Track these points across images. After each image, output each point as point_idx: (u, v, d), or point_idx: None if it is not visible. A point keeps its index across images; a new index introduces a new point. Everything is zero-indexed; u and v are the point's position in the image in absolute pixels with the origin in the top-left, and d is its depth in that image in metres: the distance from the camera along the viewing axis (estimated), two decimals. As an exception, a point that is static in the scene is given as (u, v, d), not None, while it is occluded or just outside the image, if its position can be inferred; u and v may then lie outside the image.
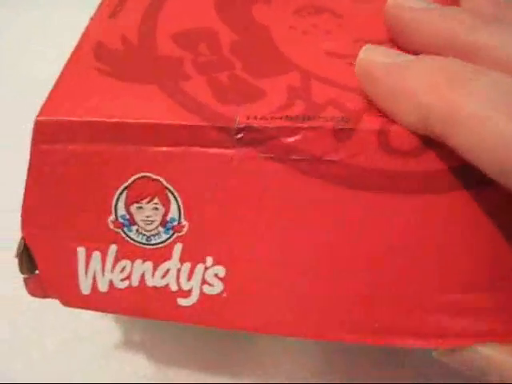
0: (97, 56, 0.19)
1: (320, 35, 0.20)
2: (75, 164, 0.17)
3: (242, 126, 0.16)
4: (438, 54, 0.17)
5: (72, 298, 0.19)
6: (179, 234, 0.18)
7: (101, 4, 0.22)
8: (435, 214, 0.16)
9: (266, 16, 0.21)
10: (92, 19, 0.21)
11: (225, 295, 0.18)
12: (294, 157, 0.16)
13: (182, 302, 0.18)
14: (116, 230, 0.18)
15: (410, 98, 0.15)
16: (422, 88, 0.15)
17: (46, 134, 0.17)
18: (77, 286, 0.19)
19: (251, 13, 0.21)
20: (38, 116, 0.17)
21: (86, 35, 0.20)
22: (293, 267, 0.17)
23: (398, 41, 0.19)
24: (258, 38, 0.20)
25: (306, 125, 0.16)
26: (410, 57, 0.17)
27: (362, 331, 0.17)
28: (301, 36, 0.20)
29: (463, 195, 0.16)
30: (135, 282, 0.18)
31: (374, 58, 0.17)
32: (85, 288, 0.19)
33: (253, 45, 0.20)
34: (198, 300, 0.18)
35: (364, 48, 0.17)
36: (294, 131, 0.16)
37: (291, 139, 0.16)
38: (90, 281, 0.19)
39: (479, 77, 0.15)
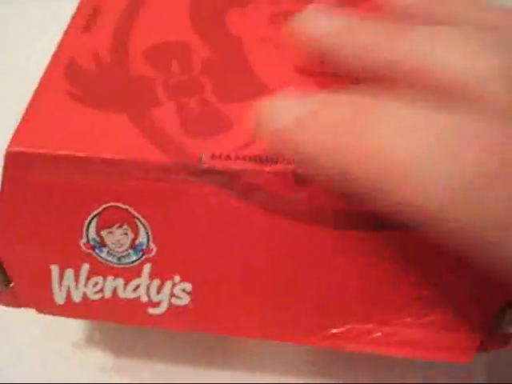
0: (68, 77, 0.19)
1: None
2: (46, 193, 0.18)
3: (206, 167, 0.17)
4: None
5: (47, 307, 0.20)
6: (148, 256, 0.19)
7: (74, 16, 0.21)
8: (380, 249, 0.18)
9: (240, 25, 0.21)
10: (65, 32, 0.21)
11: (191, 306, 0.20)
12: (255, 194, 0.17)
13: (152, 311, 0.20)
14: (88, 251, 0.19)
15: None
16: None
17: (16, 164, 0.18)
18: (51, 297, 0.20)
19: (225, 22, 0.21)
20: (9, 147, 0.18)
21: (59, 51, 0.20)
22: (250, 283, 0.19)
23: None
24: (230, 53, 0.20)
25: (267, 168, 0.17)
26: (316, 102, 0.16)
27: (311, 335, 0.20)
28: (273, 51, 0.20)
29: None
30: (108, 294, 0.20)
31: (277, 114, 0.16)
32: (59, 299, 0.20)
33: (224, 61, 0.20)
34: (166, 310, 0.20)
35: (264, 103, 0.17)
36: (256, 174, 0.17)
37: (253, 180, 0.17)
38: (64, 293, 0.20)
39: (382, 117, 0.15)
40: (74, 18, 0.21)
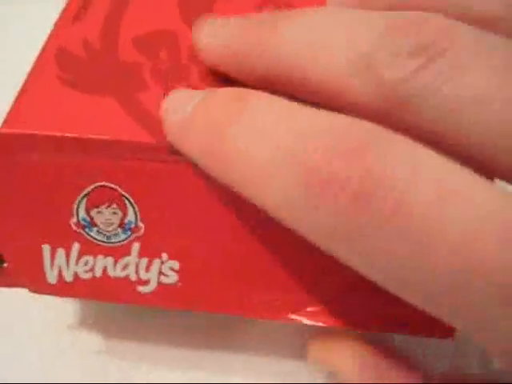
0: (59, 63, 0.20)
1: None
2: (36, 173, 0.19)
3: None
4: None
5: (39, 287, 0.21)
6: (137, 235, 0.19)
7: (65, 7, 0.22)
8: None
9: (227, 14, 0.22)
10: (56, 23, 0.21)
11: (179, 285, 0.20)
12: None
13: (141, 289, 0.21)
14: (78, 230, 0.20)
15: None
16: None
17: (8, 145, 0.18)
18: (44, 276, 0.21)
19: (212, 11, 0.22)
20: (0, 128, 0.18)
21: (49, 40, 0.21)
22: (237, 261, 0.20)
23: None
24: None
25: None
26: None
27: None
28: None
29: None
30: (98, 273, 0.20)
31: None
32: (51, 278, 0.21)
33: None
34: (155, 288, 0.20)
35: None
36: None
37: None
38: (56, 272, 0.20)
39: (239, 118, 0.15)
40: (64, 9, 0.22)
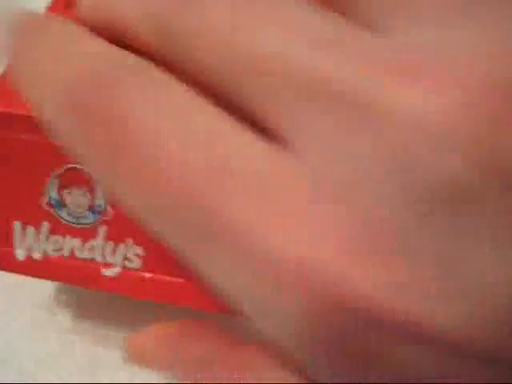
0: None
1: None
2: (11, 151, 0.19)
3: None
4: None
5: (7, 263, 0.22)
6: (104, 218, 0.20)
7: None
8: None
9: None
10: (47, 8, 0.22)
11: (144, 273, 0.21)
12: None
13: (106, 272, 0.21)
14: (49, 209, 0.20)
15: None
16: None
17: None
18: (12, 253, 0.21)
19: None
20: None
21: None
22: None
23: None
24: None
25: None
26: None
27: None
28: None
29: None
30: (66, 253, 0.21)
31: None
32: (20, 255, 0.21)
33: None
34: (120, 272, 0.21)
35: None
36: None
37: None
38: (25, 250, 0.21)
39: None
40: None
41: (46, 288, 0.27)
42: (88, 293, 0.26)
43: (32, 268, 0.21)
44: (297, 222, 0.11)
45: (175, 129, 0.12)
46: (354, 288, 0.10)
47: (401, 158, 0.11)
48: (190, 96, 0.12)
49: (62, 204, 0.20)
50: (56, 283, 0.26)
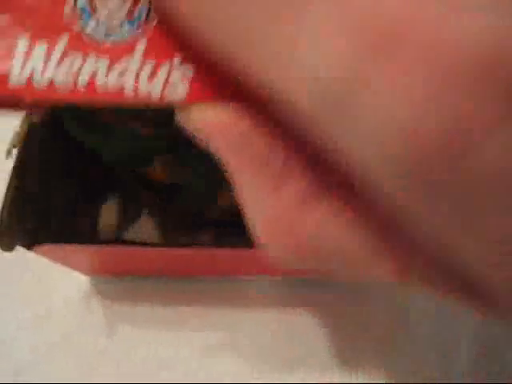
0: None
1: None
2: None
3: None
4: None
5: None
6: (146, 27, 0.16)
7: None
8: None
9: None
10: None
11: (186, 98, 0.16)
12: None
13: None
14: (72, 20, 0.16)
15: None
16: None
17: None
18: (6, 78, 0.15)
19: None
20: None
21: None
22: None
23: None
24: None
25: None
26: None
27: None
28: None
29: None
30: (83, 80, 0.16)
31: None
32: (18, 80, 0.15)
33: None
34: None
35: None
36: None
37: None
38: (27, 74, 0.15)
39: None
40: None
41: None
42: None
43: (29, 93, 0.15)
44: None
45: None
46: None
47: None
48: None
49: (91, 13, 0.16)
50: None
